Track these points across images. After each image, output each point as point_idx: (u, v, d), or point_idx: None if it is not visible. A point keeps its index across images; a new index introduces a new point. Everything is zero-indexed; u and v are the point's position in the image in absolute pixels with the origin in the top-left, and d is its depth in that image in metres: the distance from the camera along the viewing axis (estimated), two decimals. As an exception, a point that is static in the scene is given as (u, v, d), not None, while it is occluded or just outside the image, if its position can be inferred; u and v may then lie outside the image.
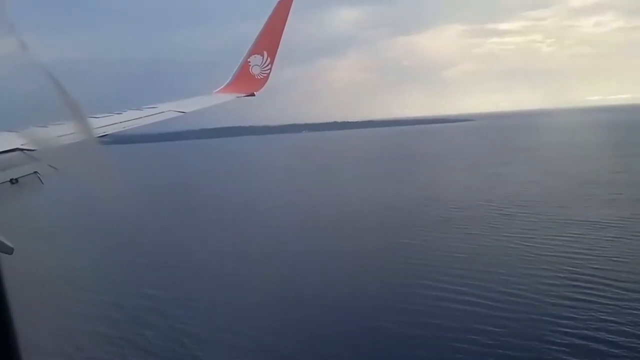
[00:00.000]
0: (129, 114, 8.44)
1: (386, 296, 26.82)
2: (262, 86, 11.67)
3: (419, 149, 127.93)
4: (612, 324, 21.97)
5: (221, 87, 11.55)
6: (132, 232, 36.91)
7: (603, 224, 38.89)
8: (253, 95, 11.54)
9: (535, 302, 24.78)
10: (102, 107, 8.48)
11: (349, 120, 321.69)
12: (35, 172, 4.99)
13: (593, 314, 23.10)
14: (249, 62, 11.49)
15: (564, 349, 20.28)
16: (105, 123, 7.49)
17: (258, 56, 11.50)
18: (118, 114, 8.33)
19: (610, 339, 20.77)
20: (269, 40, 11.48)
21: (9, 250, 3.37)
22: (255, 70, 11.52)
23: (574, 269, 29.41)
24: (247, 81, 11.49)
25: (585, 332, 21.54)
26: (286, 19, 11.36)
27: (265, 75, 11.61)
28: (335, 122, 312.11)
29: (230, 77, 11.59)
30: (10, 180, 4.72)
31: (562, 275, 28.46)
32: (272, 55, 11.54)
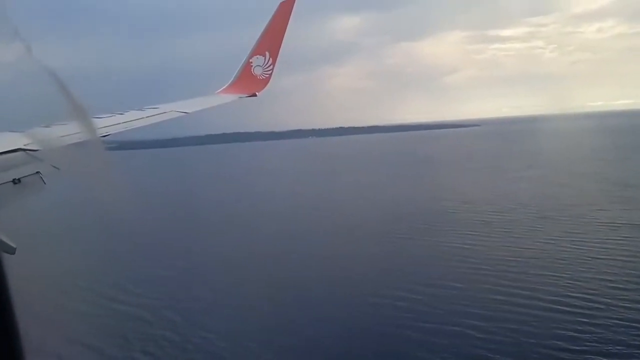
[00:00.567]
0: (131, 114, 8.39)
1: (458, 302, 25.86)
2: (264, 86, 11.65)
3: (436, 153, 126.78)
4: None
5: (223, 87, 11.55)
6: (136, 233, 37.34)
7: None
8: (255, 95, 11.51)
9: (612, 307, 23.88)
10: (105, 111, 8.41)
11: (355, 126, 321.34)
12: (38, 172, 4.95)
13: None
14: (251, 62, 11.53)
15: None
16: (108, 123, 7.43)
17: (260, 57, 11.53)
18: (120, 114, 8.29)
19: None
20: (271, 41, 11.52)
21: (12, 250, 3.36)
22: (257, 71, 11.55)
23: (637, 272, 28.56)
24: (249, 82, 11.50)
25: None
26: (288, 20, 11.39)
27: (267, 75, 11.63)
28: (341, 128, 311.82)
29: (232, 78, 11.61)
30: (13, 181, 4.71)
31: (627, 279, 27.58)
32: (274, 56, 11.57)
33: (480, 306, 25.06)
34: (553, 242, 36.00)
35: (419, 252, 35.31)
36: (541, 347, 20.68)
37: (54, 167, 5.09)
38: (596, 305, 24.34)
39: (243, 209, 59.86)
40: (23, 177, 4.81)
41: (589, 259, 31.62)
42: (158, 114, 8.76)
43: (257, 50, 11.53)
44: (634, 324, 21.98)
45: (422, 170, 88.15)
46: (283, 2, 11.31)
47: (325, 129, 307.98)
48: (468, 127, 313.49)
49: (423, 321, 23.86)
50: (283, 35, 11.47)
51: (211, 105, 10.74)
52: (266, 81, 11.63)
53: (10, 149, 5.13)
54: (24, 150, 5.10)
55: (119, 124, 7.69)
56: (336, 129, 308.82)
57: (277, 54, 11.56)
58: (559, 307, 24.40)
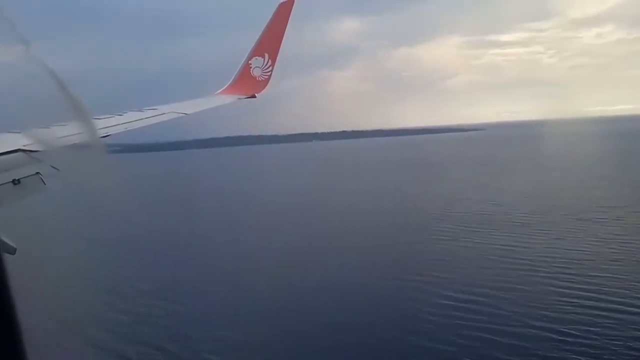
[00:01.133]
0: (131, 115, 8.38)
1: (522, 304, 24.86)
2: (264, 88, 11.59)
3: (450, 156, 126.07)
4: None
5: (222, 88, 11.48)
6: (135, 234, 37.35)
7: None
8: (254, 96, 11.45)
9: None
10: (103, 112, 8.35)
11: (358, 130, 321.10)
12: (38, 172, 4.95)
13: None
14: (250, 64, 11.47)
15: None
16: (107, 124, 7.40)
17: (259, 58, 11.48)
18: (119, 115, 8.27)
19: None
20: (270, 42, 11.45)
21: (12, 250, 3.33)
22: (256, 72, 11.51)
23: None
24: (248, 83, 11.46)
25: None
26: (287, 21, 11.32)
27: (266, 77, 11.59)
28: (344, 132, 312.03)
29: (232, 79, 11.56)
30: (13, 181, 4.69)
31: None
32: (273, 57, 11.51)
33: (549, 309, 24.10)
34: (601, 243, 35.04)
35: (465, 254, 34.26)
36: (624, 349, 19.72)
37: (54, 167, 5.07)
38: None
39: (258, 214, 58.77)
40: (23, 177, 4.79)
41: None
42: (157, 115, 8.73)
43: (256, 51, 11.46)
44: None
45: (443, 173, 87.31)
46: (282, 3, 11.22)
47: (328, 133, 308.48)
48: (471, 132, 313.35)
49: (493, 322, 22.91)
50: (282, 37, 11.40)
51: (210, 106, 10.64)
52: (265, 82, 11.57)
53: (10, 149, 5.08)
54: (24, 150, 5.05)
55: (118, 124, 7.63)
56: (339, 132, 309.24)
57: (277, 55, 11.51)
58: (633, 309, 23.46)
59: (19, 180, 4.76)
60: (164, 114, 8.92)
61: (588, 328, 21.72)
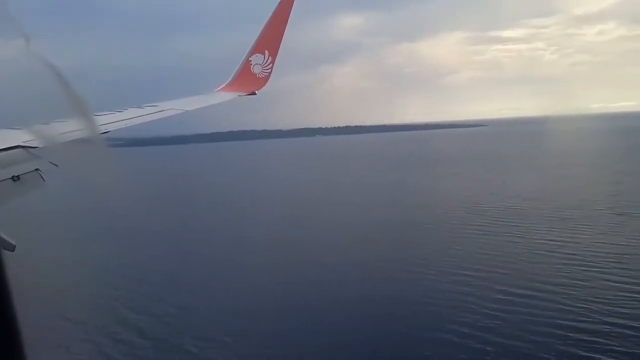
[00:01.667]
0: (131, 112, 8.41)
1: (582, 301, 24.43)
2: (264, 85, 11.60)
3: (462, 152, 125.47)
4: None
5: (222, 85, 11.47)
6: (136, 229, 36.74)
7: None
8: (254, 94, 11.49)
9: None
10: (103, 108, 8.39)
11: (362, 125, 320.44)
12: (37, 169, 4.95)
13: None
14: (250, 61, 11.45)
15: None
16: (107, 121, 7.41)
17: (259, 55, 11.46)
18: (119, 111, 8.28)
19: None
20: (270, 39, 11.45)
21: (11, 247, 3.36)
22: (256, 69, 11.49)
23: None
24: (248, 80, 11.46)
25: None
26: (287, 18, 11.32)
27: (266, 74, 11.57)
28: (348, 127, 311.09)
29: (232, 76, 11.54)
30: (12, 177, 4.70)
31: None
32: (274, 54, 11.49)
33: (613, 304, 23.63)
34: (647, 238, 34.67)
35: (512, 249, 33.68)
36: None
37: (53, 164, 5.05)
38: None
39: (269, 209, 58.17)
40: (22, 174, 4.78)
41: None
42: (157, 112, 8.75)
43: (257, 48, 11.43)
44: None
45: (464, 169, 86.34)
46: (282, 0, 11.18)
47: (331, 128, 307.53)
48: (475, 127, 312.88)
49: (561, 318, 22.43)
50: (282, 34, 11.40)
51: (210, 103, 10.65)
52: (265, 79, 11.56)
53: (9, 145, 5.05)
54: (24, 147, 5.04)
55: (118, 121, 7.66)
56: (343, 127, 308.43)
57: (277, 52, 11.48)
58: None
59: (18, 176, 4.74)
60: (163, 110, 8.92)
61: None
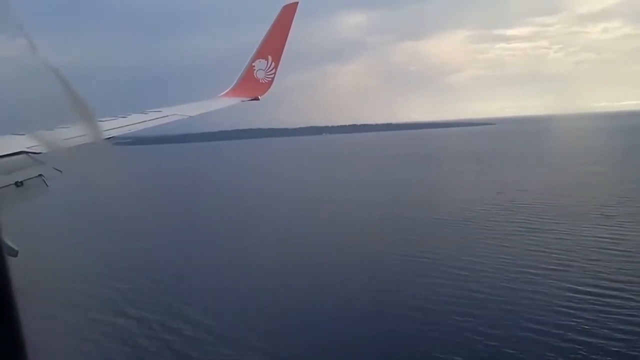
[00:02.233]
0: (134, 118, 8.43)
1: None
2: (267, 90, 11.60)
3: (479, 150, 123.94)
4: None
5: (226, 91, 11.49)
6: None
7: None
8: (257, 99, 11.49)
9: None
10: (106, 112, 8.45)
11: (368, 123, 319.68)
12: (40, 175, 4.92)
13: None
14: (254, 66, 11.47)
15: None
16: (111, 126, 7.41)
17: (263, 60, 11.46)
18: (123, 117, 8.30)
19: None
20: (274, 45, 11.44)
21: (14, 253, 3.30)
22: (259, 75, 11.49)
23: None
24: (251, 85, 11.46)
25: None
26: (291, 24, 11.27)
27: (269, 79, 11.55)
28: (354, 125, 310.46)
29: (235, 81, 11.55)
30: (16, 183, 4.70)
31: None
32: (277, 59, 11.48)
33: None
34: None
35: (565, 246, 32.79)
36: None
37: (57, 170, 5.04)
38: None
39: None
40: (26, 179, 4.77)
41: None
42: (160, 117, 8.77)
43: (260, 54, 11.43)
44: None
45: (485, 166, 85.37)
46: (286, 5, 11.17)
47: (338, 126, 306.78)
48: (482, 126, 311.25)
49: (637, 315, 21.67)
50: (286, 39, 11.37)
51: (213, 108, 10.67)
52: (268, 85, 11.54)
53: (13, 151, 5.04)
54: (27, 153, 5.04)
55: (122, 127, 7.67)
56: (349, 126, 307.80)
57: (280, 58, 11.47)
58: None
59: (21, 182, 4.71)
60: (167, 116, 8.95)
61: None
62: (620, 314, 22.12)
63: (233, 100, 11.20)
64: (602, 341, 19.81)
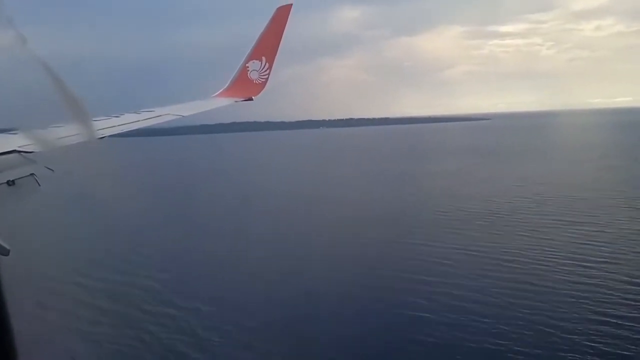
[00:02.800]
0: (127, 117, 8.48)
1: None
2: (260, 91, 11.75)
3: (483, 145, 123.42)
4: None
5: (219, 91, 11.61)
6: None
7: None
8: (251, 99, 11.65)
9: None
10: (101, 107, 8.54)
11: (365, 117, 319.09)
12: (32, 174, 4.95)
13: None
14: (248, 67, 11.58)
15: None
16: (104, 126, 7.46)
17: (256, 61, 11.58)
18: (116, 116, 8.33)
19: None
20: (268, 45, 11.56)
21: (5, 252, 3.33)
22: (253, 75, 11.61)
23: None
24: (245, 86, 11.59)
25: None
26: (285, 25, 11.36)
27: (263, 80, 11.69)
28: (351, 119, 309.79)
29: (229, 82, 11.71)
30: (7, 182, 4.68)
31: None
32: (271, 60, 11.61)
33: None
34: None
35: (609, 238, 32.57)
36: None
37: (49, 169, 5.07)
38: None
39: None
40: (17, 178, 4.77)
41: None
42: (154, 117, 8.86)
43: (254, 54, 11.54)
44: None
45: (496, 161, 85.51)
46: (280, 7, 11.29)
47: (334, 120, 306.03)
48: (478, 121, 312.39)
49: None
50: (280, 40, 11.51)
51: (207, 109, 10.80)
52: (262, 85, 11.69)
53: (5, 150, 5.08)
54: (19, 152, 5.09)
55: (115, 126, 7.75)
56: (346, 120, 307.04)
57: (274, 58, 11.61)
58: None
59: (13, 181, 4.70)
60: (160, 116, 9.04)
61: None
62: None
63: (227, 101, 11.30)
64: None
